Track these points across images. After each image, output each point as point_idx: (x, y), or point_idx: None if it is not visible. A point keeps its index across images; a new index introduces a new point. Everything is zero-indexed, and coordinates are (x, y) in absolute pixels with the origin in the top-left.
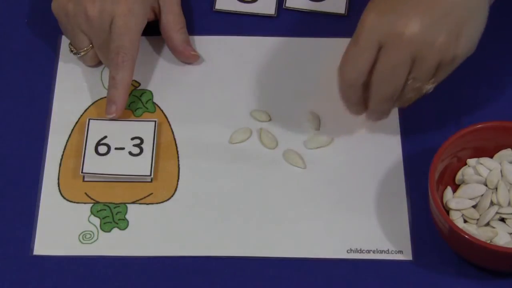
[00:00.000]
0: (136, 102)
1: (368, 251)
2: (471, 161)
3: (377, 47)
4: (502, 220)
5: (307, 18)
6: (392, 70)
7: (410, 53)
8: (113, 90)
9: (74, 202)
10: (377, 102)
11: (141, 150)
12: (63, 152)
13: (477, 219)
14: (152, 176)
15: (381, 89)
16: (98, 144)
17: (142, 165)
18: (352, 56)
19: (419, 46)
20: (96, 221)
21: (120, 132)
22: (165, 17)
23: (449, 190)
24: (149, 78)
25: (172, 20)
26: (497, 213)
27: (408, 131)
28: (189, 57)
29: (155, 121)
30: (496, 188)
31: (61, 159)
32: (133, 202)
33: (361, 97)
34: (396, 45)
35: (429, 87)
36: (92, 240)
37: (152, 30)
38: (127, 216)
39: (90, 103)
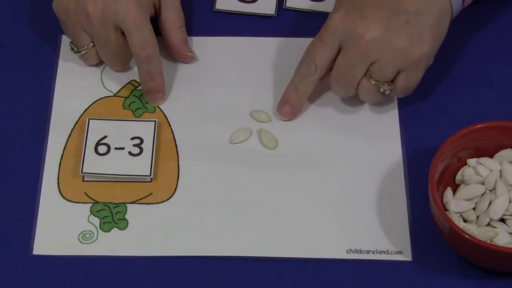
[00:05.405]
0: (136, 102)
1: (368, 251)
2: (471, 161)
3: (339, 46)
4: (502, 220)
5: (307, 18)
6: (347, 70)
7: (367, 55)
8: (152, 83)
9: (74, 202)
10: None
11: (141, 150)
12: (63, 151)
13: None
14: (152, 176)
15: (335, 87)
16: (98, 144)
17: (142, 165)
18: (313, 50)
19: (378, 49)
20: (96, 221)
21: (120, 132)
22: (164, 13)
23: (449, 190)
24: None
25: (172, 17)
26: None
27: (408, 131)
28: (185, 58)
29: (155, 121)
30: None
31: (61, 159)
32: (133, 202)
33: (305, 96)
34: (355, 46)
35: (386, 87)
36: (92, 240)
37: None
38: (126, 216)
39: (90, 103)
